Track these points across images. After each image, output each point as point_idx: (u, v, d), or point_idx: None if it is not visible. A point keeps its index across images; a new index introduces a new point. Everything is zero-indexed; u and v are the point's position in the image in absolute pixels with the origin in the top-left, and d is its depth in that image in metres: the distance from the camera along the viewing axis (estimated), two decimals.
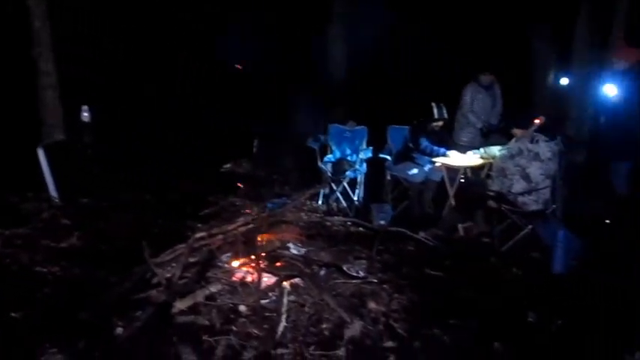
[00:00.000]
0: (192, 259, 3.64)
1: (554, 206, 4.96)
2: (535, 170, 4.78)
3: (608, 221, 5.32)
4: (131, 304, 3.27)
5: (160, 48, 9.07)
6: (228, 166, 8.30)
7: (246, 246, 3.73)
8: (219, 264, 3.76)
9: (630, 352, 2.94)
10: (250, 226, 3.79)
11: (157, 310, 3.12)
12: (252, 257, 3.71)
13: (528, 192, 4.79)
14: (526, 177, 4.80)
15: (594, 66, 7.01)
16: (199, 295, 3.35)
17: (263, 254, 3.72)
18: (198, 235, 3.60)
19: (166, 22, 9.06)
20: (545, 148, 4.78)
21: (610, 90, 5.32)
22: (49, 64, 6.48)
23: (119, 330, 3.04)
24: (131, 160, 7.00)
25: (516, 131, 5.01)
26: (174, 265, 3.56)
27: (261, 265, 3.64)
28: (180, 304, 3.24)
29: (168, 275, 3.43)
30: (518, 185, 4.82)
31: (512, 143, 5.04)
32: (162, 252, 3.77)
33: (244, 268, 3.70)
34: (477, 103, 6.34)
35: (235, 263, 3.77)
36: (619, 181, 5.31)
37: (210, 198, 6.13)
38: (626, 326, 3.30)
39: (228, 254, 3.82)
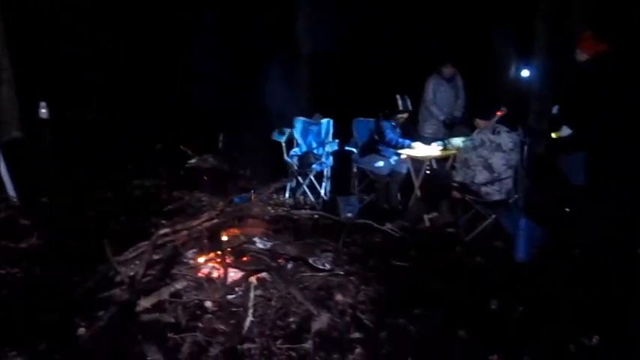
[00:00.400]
0: (156, 256, 3.58)
1: (516, 196, 5.06)
2: (497, 161, 4.86)
3: (567, 209, 5.46)
4: (94, 304, 3.21)
5: (122, 42, 8.87)
6: (193, 161, 8.22)
7: (211, 241, 3.69)
8: (185, 260, 3.72)
9: (588, 337, 3.03)
10: (215, 221, 3.76)
11: (120, 309, 3.06)
12: (218, 253, 3.68)
13: (491, 182, 4.86)
14: (489, 167, 4.87)
15: (554, 58, 7.18)
16: (164, 293, 3.30)
17: (229, 249, 3.69)
18: (162, 231, 3.55)
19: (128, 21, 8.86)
20: (506, 139, 4.86)
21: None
22: (3, 58, 6.27)
23: (81, 330, 2.97)
24: (92, 157, 6.85)
25: (479, 122, 5.08)
26: (137, 262, 3.50)
27: (227, 261, 3.61)
28: (144, 302, 3.19)
29: (132, 273, 3.37)
30: (481, 176, 4.89)
31: (475, 134, 5.11)
32: (126, 250, 3.71)
33: (210, 264, 3.67)
34: (440, 95, 6.42)
35: (201, 259, 3.74)
36: (575, 172, 5.45)
37: (174, 194, 6.10)
38: (585, 312, 3.40)
39: (194, 250, 3.77)
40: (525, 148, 5.22)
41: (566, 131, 5.13)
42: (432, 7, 9.49)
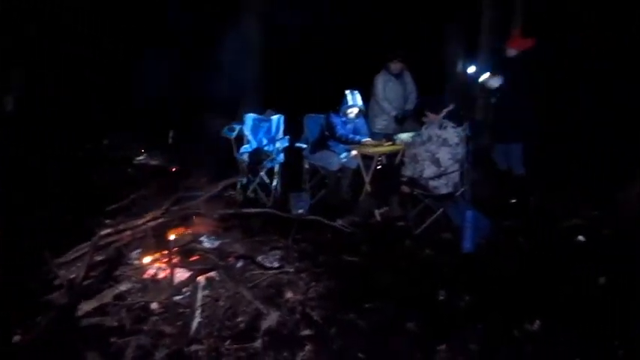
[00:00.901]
0: (98, 258, 3.45)
1: (463, 189, 5.16)
2: (444, 155, 4.93)
3: (513, 200, 5.63)
4: (31, 309, 3.06)
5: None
6: (141, 157, 8.01)
7: (157, 241, 3.59)
8: (129, 261, 3.60)
9: (530, 322, 3.12)
10: (161, 220, 3.65)
11: (59, 314, 2.93)
12: (164, 252, 3.58)
13: (439, 176, 4.94)
14: (436, 162, 4.94)
15: (496, 54, 7.37)
16: (107, 295, 3.19)
17: (175, 249, 3.60)
18: (104, 231, 3.42)
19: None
20: (453, 134, 4.94)
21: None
22: None
23: (17, 338, 2.83)
24: (34, 153, 6.56)
25: (429, 115, 5.14)
26: (78, 264, 3.37)
27: (174, 261, 3.52)
28: (85, 306, 3.07)
29: (72, 276, 3.24)
30: (429, 170, 4.96)
31: (423, 130, 5.17)
32: (67, 251, 3.56)
33: (156, 265, 3.57)
34: (389, 91, 6.48)
35: (146, 260, 3.63)
36: (515, 162, 5.64)
37: (120, 192, 5.91)
38: (528, 298, 3.49)
39: (138, 250, 3.66)
40: (471, 142, 5.36)
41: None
42: (382, 3, 9.57)
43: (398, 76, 6.52)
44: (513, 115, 5.49)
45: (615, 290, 3.62)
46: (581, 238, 4.61)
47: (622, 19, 6.66)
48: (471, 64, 9.09)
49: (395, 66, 6.48)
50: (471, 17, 8.71)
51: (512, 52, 5.66)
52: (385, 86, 6.48)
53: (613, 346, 2.93)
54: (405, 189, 5.00)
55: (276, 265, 3.69)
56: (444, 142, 4.93)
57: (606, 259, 4.16)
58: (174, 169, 7.17)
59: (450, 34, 9.88)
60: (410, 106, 6.59)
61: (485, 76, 5.66)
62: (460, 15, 9.29)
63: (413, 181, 4.99)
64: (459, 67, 9.69)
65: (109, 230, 3.44)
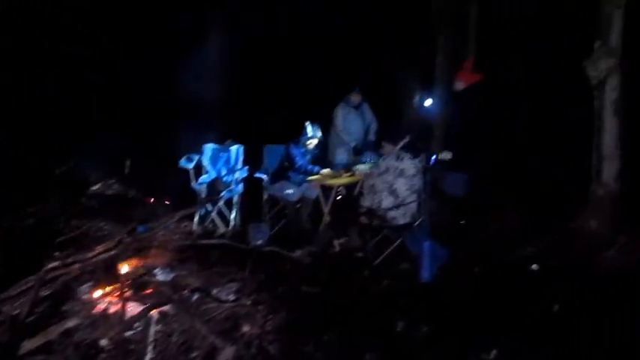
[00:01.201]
0: (45, 292, 3.31)
1: (421, 219, 5.23)
2: (401, 186, 5.00)
3: (462, 222, 5.76)
4: None
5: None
6: (96, 187, 7.79)
7: (108, 274, 3.47)
8: (78, 296, 3.46)
9: (486, 351, 3.14)
10: (113, 252, 3.54)
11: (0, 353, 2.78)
12: (116, 286, 3.46)
13: (397, 207, 4.99)
14: (393, 193, 5.00)
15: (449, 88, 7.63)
16: (53, 332, 3.05)
17: (127, 282, 3.48)
18: (52, 265, 3.28)
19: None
20: (409, 165, 5.02)
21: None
22: None
23: None
24: None
25: (387, 146, 5.22)
26: (23, 300, 3.21)
27: (126, 294, 3.40)
28: (29, 344, 2.92)
29: (16, 312, 3.08)
30: (387, 201, 5.01)
31: (381, 161, 5.25)
32: (11, 285, 3.40)
33: (106, 299, 3.44)
34: (349, 122, 6.58)
35: (96, 294, 3.50)
36: (457, 190, 5.79)
37: (72, 222, 5.72)
38: (484, 328, 3.52)
39: (88, 284, 3.53)
40: (428, 172, 5.46)
41: (447, 155, 5.54)
42: (340, 36, 9.75)
43: (357, 107, 6.64)
44: (459, 146, 5.68)
45: (568, 318, 3.69)
46: (534, 266, 4.71)
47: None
48: (427, 97, 9.35)
49: (354, 98, 6.59)
50: (427, 50, 8.98)
51: (460, 85, 5.90)
52: (345, 118, 6.58)
53: None
54: (364, 219, 5.03)
55: (232, 297, 3.61)
56: (401, 173, 5.00)
57: (559, 287, 4.25)
58: (152, 200, 6.98)
59: (406, 67, 10.13)
60: (371, 137, 6.70)
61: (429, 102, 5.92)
62: (416, 48, 9.56)
63: (371, 212, 5.03)
64: (416, 99, 9.92)
65: (56, 263, 3.31)
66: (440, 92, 8.22)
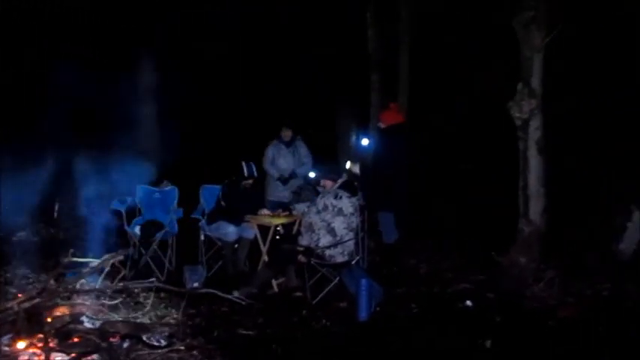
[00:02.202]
0: None
1: (358, 257, 5.28)
2: (339, 225, 5.05)
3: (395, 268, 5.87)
4: None
5: None
6: (22, 233, 7.40)
7: (31, 324, 3.27)
8: None
9: None
10: (36, 300, 3.35)
11: None
12: (40, 336, 3.27)
13: (335, 245, 5.03)
14: (331, 231, 5.05)
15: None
16: None
17: (52, 331, 3.30)
18: None
19: None
20: (347, 203, 5.10)
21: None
22: None
23: None
24: None
25: (325, 182, 5.28)
26: None
27: (50, 344, 3.21)
28: None
29: None
30: (325, 239, 5.05)
31: (319, 200, 5.30)
32: None
33: (29, 350, 3.24)
34: (281, 158, 6.64)
35: (19, 345, 3.28)
36: (387, 230, 5.95)
37: None
38: None
39: (9, 335, 3.31)
40: (365, 211, 5.56)
41: (355, 167, 5.74)
42: (277, 72, 9.95)
43: (289, 144, 6.72)
44: (383, 185, 5.85)
45: (500, 351, 3.80)
46: (468, 302, 4.83)
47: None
48: (363, 137, 9.60)
49: (285, 134, 6.70)
50: (363, 90, 9.29)
51: (382, 124, 6.14)
52: (276, 154, 6.65)
53: None
54: (302, 258, 5.03)
55: (165, 342, 3.48)
56: (339, 212, 5.06)
57: (492, 321, 4.38)
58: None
59: (343, 107, 10.41)
60: (302, 171, 6.75)
61: (348, 164, 6.12)
62: (352, 88, 9.86)
63: (309, 251, 5.04)
64: (352, 139, 10.17)
65: None
66: (374, 131, 8.48)
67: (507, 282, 5.09)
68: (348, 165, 5.89)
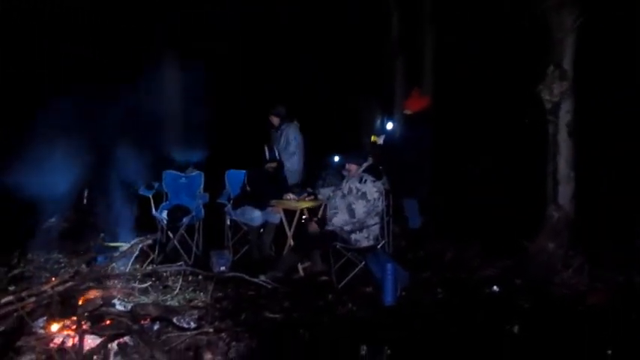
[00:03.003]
0: None
1: (383, 241, 5.28)
2: (360, 208, 5.05)
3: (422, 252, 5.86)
4: None
5: None
6: (52, 220, 7.56)
7: (64, 307, 3.35)
8: (34, 330, 3.33)
9: None
10: (69, 284, 3.43)
11: None
12: (73, 319, 3.35)
13: (360, 229, 5.03)
14: (351, 211, 5.05)
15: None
16: None
17: (85, 314, 3.38)
18: (5, 299, 3.16)
19: None
20: (372, 187, 5.09)
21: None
22: None
23: None
24: None
25: (350, 166, 5.27)
26: None
27: (83, 327, 3.30)
28: None
29: None
30: (342, 216, 5.05)
31: (344, 184, 5.30)
32: None
33: (63, 332, 3.32)
34: (274, 144, 6.70)
35: (52, 327, 3.38)
36: (412, 216, 5.92)
37: (28, 256, 5.53)
38: (446, 348, 3.56)
39: (44, 318, 3.40)
40: (390, 196, 5.54)
41: (380, 140, 5.71)
42: (299, 59, 9.90)
43: (277, 129, 6.82)
44: (407, 171, 5.81)
45: (528, 337, 3.77)
46: (495, 288, 4.80)
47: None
48: (388, 121, 9.53)
49: (272, 120, 6.79)
50: (387, 75, 9.20)
51: (407, 111, 6.08)
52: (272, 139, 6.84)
53: None
54: (313, 226, 5.07)
55: (194, 325, 3.54)
56: (363, 196, 5.06)
57: (519, 307, 4.35)
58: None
59: (368, 91, 10.33)
60: (285, 156, 6.66)
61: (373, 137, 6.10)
62: (376, 73, 9.77)
63: (335, 235, 5.05)
64: (377, 123, 10.09)
65: (10, 298, 3.19)
66: (399, 116, 8.41)
67: (535, 268, 5.04)
68: (372, 138, 5.85)
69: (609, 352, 3.45)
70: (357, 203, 5.04)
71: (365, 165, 5.32)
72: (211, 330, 3.62)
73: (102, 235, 6.58)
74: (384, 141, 6.29)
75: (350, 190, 5.15)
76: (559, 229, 5.09)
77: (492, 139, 8.33)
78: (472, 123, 8.49)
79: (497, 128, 8.25)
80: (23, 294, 3.23)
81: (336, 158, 6.79)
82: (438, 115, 6.14)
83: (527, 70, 5.67)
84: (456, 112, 8.20)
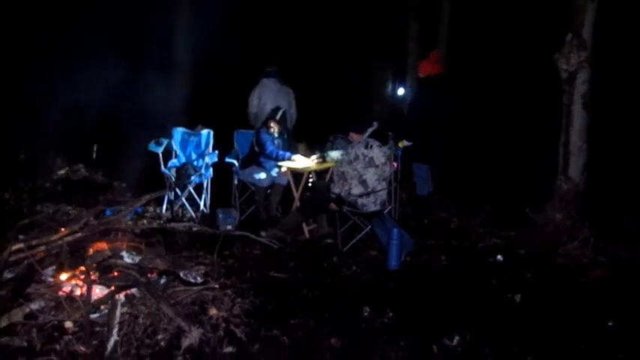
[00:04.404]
0: (8, 275, 3.24)
1: (390, 206, 5.29)
2: (371, 177, 5.01)
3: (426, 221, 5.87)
4: None
5: None
6: (62, 172, 7.64)
7: (73, 257, 3.41)
8: (43, 278, 3.41)
9: (450, 338, 3.21)
10: (79, 235, 3.48)
11: None
12: (81, 269, 3.42)
13: (367, 194, 5.03)
14: (363, 182, 5.02)
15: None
16: (16, 315, 3.00)
17: (93, 265, 3.44)
18: (16, 247, 3.22)
19: None
20: (378, 153, 5.04)
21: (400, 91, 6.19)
22: None
23: None
24: None
25: (353, 135, 5.22)
26: None
27: (92, 277, 3.36)
28: None
29: None
30: (356, 189, 5.04)
31: (350, 149, 5.26)
32: None
33: (72, 281, 3.39)
34: None
35: (62, 276, 3.45)
36: (420, 182, 5.90)
37: (37, 207, 5.62)
38: (448, 315, 3.61)
39: (53, 267, 3.47)
40: (398, 161, 5.51)
41: (406, 142, 5.65)
42: (310, 25, 9.76)
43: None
44: (421, 137, 5.75)
45: (530, 307, 3.80)
46: (499, 257, 4.82)
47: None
48: (399, 86, 9.43)
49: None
50: (400, 39, 9.05)
51: (420, 74, 5.98)
52: None
53: None
54: (334, 206, 5.06)
55: (200, 281, 3.60)
56: (371, 162, 5.01)
57: (522, 277, 4.37)
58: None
59: (379, 57, 10.20)
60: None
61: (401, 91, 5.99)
62: (389, 37, 9.62)
63: (341, 199, 5.06)
64: (388, 88, 10.00)
65: (21, 245, 3.24)
66: (411, 81, 8.31)
67: (540, 239, 5.04)
68: (400, 144, 5.80)
69: (610, 323, 3.49)
70: (367, 173, 5.00)
71: (370, 130, 5.25)
72: (217, 286, 3.68)
73: (110, 189, 6.67)
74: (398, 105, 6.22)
75: (356, 157, 5.09)
76: (567, 201, 5.06)
77: (506, 106, 8.22)
78: (486, 89, 8.36)
79: (511, 96, 8.13)
80: (33, 242, 3.28)
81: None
82: (451, 80, 6.02)
83: (545, 38, 5.54)
84: (470, 77, 8.06)
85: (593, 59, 4.91)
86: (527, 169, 6.73)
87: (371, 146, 5.02)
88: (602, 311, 3.69)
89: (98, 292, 3.34)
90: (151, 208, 6.08)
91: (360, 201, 5.06)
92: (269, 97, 6.76)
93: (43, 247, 3.35)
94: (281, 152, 5.86)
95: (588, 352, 3.19)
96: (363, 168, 5.02)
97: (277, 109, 5.99)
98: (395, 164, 5.27)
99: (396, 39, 9.14)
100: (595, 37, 4.91)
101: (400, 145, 5.69)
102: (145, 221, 5.21)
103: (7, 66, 7.83)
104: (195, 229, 4.47)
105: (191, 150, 6.40)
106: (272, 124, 5.95)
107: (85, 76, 7.63)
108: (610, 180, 6.09)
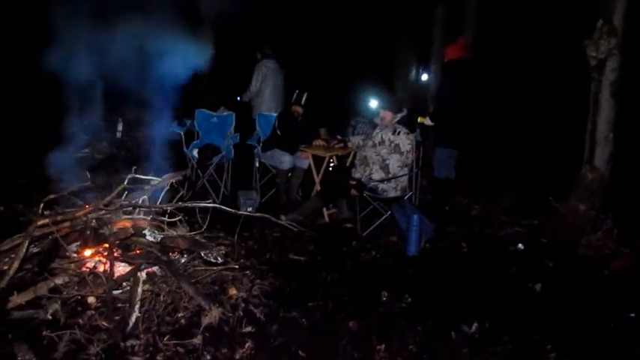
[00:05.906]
0: (34, 249, 3.31)
1: (411, 192, 5.26)
2: (394, 162, 4.99)
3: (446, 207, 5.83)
4: None
5: None
6: (86, 150, 7.73)
7: (97, 233, 3.47)
8: (67, 254, 3.47)
9: (468, 325, 3.20)
10: (102, 212, 3.54)
11: None
12: (104, 245, 3.47)
13: (388, 180, 5.01)
14: (385, 167, 5.01)
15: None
16: (41, 288, 3.07)
17: (116, 242, 3.49)
18: (41, 222, 3.28)
19: None
20: (405, 140, 5.01)
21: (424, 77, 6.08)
22: None
23: None
24: None
25: (386, 114, 5.14)
26: (12, 255, 3.21)
27: (114, 254, 3.41)
28: (18, 299, 2.94)
29: (4, 267, 3.09)
30: (377, 175, 5.03)
31: (375, 133, 5.23)
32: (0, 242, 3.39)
33: (95, 258, 3.45)
34: None
35: (85, 252, 3.51)
36: (439, 166, 5.85)
37: (62, 184, 5.69)
38: (467, 302, 3.59)
39: (77, 243, 3.53)
40: (422, 148, 5.47)
41: (428, 121, 5.59)
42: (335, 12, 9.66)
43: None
44: (445, 121, 5.69)
45: (550, 296, 3.77)
46: (520, 246, 4.77)
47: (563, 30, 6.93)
48: (423, 72, 9.30)
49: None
50: (425, 25, 8.90)
51: (445, 59, 5.90)
52: None
53: (545, 349, 3.04)
54: (354, 192, 5.05)
55: (220, 261, 3.63)
56: (396, 149, 4.99)
57: (543, 266, 4.32)
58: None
59: (403, 42, 10.05)
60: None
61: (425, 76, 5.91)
62: (413, 22, 9.47)
63: (362, 184, 5.04)
64: (412, 74, 9.87)
65: (45, 220, 3.30)
66: (436, 67, 8.19)
67: (563, 228, 4.96)
68: (419, 119, 5.75)
69: (632, 315, 3.44)
70: (391, 158, 4.97)
71: (400, 116, 5.21)
72: (237, 267, 3.72)
73: (134, 167, 6.71)
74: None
75: (382, 141, 5.07)
76: (592, 191, 4.97)
77: (533, 93, 8.06)
78: (513, 76, 8.19)
79: (538, 83, 7.95)
80: (58, 217, 3.34)
81: (373, 103, 6.71)
82: (477, 65, 5.90)
83: (575, 24, 5.40)
84: (496, 63, 7.90)
85: (623, 47, 4.78)
86: (552, 157, 6.61)
87: (399, 132, 4.99)
88: (623, 303, 3.64)
89: (121, 269, 3.39)
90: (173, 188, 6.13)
91: (380, 186, 5.04)
92: (270, 77, 7.23)
93: (67, 223, 3.40)
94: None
95: (608, 343, 3.16)
96: (388, 153, 5.00)
97: (302, 92, 5.95)
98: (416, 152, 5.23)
99: (422, 24, 8.99)
100: (626, 23, 4.77)
101: (420, 120, 5.66)
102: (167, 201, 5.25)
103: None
104: (216, 206, 4.50)
105: (213, 131, 6.43)
106: (297, 109, 5.92)
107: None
108: (636, 171, 5.95)
